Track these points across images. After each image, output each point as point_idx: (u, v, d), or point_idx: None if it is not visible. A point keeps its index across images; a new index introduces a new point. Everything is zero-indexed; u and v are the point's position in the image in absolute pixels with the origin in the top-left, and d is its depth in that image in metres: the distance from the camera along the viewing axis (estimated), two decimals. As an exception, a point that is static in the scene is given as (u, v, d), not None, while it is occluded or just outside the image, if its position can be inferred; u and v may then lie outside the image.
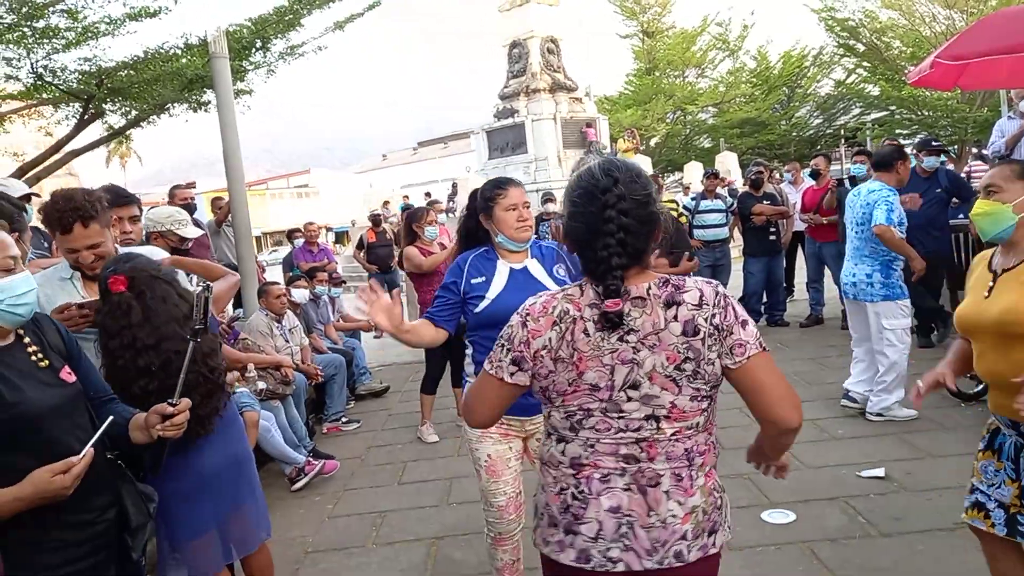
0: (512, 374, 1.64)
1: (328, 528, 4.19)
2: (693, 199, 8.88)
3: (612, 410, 1.58)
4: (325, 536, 4.07)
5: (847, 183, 7.50)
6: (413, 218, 5.97)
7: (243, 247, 5.49)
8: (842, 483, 3.94)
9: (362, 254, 10.69)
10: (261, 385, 4.93)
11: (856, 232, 5.08)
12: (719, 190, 8.75)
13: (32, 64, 8.80)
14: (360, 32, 10.46)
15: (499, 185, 2.84)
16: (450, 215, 14.86)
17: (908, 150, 6.22)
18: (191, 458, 2.52)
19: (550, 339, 1.58)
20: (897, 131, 23.66)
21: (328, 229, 24.57)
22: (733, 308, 1.58)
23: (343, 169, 78.07)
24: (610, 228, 1.54)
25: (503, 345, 1.66)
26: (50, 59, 8.94)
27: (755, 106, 28.24)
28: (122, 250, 2.66)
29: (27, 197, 3.82)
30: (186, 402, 1.99)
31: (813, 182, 8.15)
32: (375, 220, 10.96)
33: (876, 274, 4.95)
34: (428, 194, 22.81)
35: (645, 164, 15.15)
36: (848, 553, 3.24)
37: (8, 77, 9.11)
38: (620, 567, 1.57)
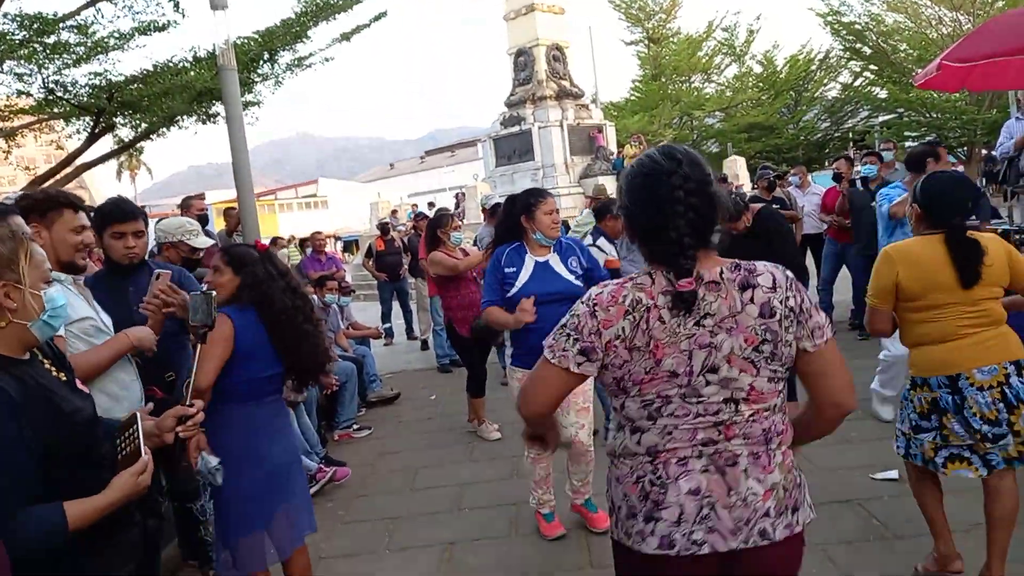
0: (579, 364, 1.59)
1: (341, 534, 4.20)
2: None
3: (691, 395, 1.56)
4: (338, 542, 4.09)
5: (858, 184, 7.48)
6: (438, 224, 6.03)
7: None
8: (855, 485, 3.93)
9: (371, 262, 10.74)
10: (273, 393, 4.95)
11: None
12: None
13: (43, 79, 8.91)
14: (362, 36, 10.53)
15: (540, 195, 3.65)
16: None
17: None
18: (263, 449, 2.69)
19: (623, 328, 1.55)
20: (906, 133, 23.56)
21: (336, 239, 24.64)
22: (805, 292, 1.60)
23: (350, 178, 78.39)
24: (679, 209, 1.52)
25: (568, 335, 1.60)
26: (61, 74, 9.04)
27: (762, 110, 28.15)
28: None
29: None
30: (200, 403, 2.03)
31: (821, 187, 8.19)
32: (384, 228, 10.98)
33: None
34: (431, 204, 22.87)
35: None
36: (862, 555, 3.24)
37: (20, 92, 9.22)
38: (705, 549, 1.55)
